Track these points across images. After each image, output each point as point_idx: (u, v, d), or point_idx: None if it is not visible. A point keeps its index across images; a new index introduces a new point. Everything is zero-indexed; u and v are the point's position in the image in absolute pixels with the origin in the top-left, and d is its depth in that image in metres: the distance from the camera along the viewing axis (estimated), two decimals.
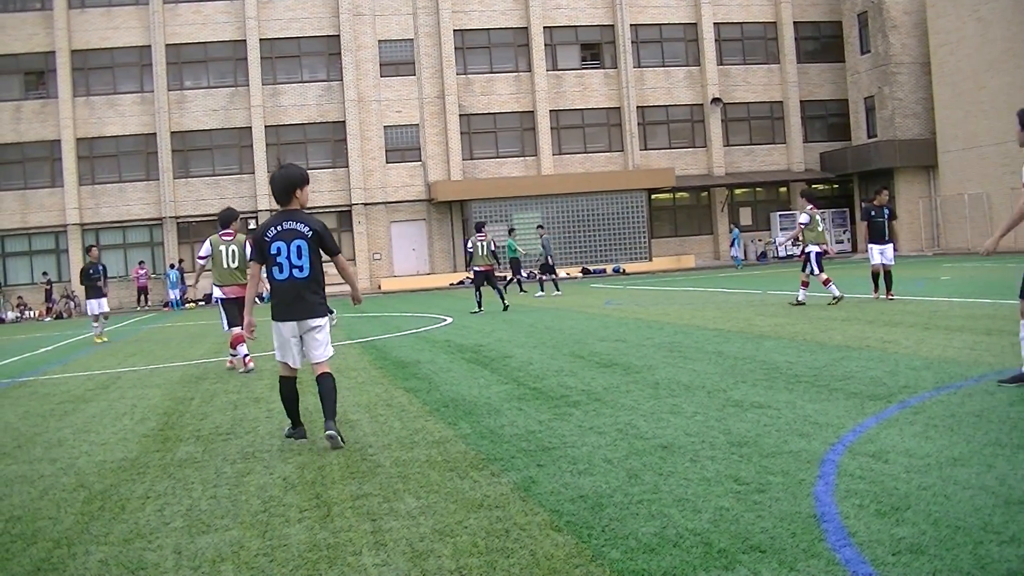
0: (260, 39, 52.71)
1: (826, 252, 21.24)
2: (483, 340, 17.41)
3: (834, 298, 20.19)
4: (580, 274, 52.38)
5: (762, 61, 58.30)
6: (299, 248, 8.27)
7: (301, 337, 8.46)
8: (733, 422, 8.08)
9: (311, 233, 8.30)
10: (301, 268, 8.32)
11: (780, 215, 57.08)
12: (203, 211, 52.28)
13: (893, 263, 21.37)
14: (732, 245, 51.61)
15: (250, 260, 8.80)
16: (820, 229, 21.41)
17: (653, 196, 54.87)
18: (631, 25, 56.24)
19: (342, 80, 53.35)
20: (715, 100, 56.36)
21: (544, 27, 55.35)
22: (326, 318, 8.57)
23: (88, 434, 9.84)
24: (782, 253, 55.61)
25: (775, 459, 6.69)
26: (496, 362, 13.81)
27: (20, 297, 50.20)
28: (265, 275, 8.75)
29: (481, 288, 26.53)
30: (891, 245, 21.44)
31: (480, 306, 26.17)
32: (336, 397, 8.43)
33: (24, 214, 51.04)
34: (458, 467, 7.15)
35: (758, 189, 58.42)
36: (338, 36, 53.42)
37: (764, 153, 57.99)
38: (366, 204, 53.01)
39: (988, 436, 6.93)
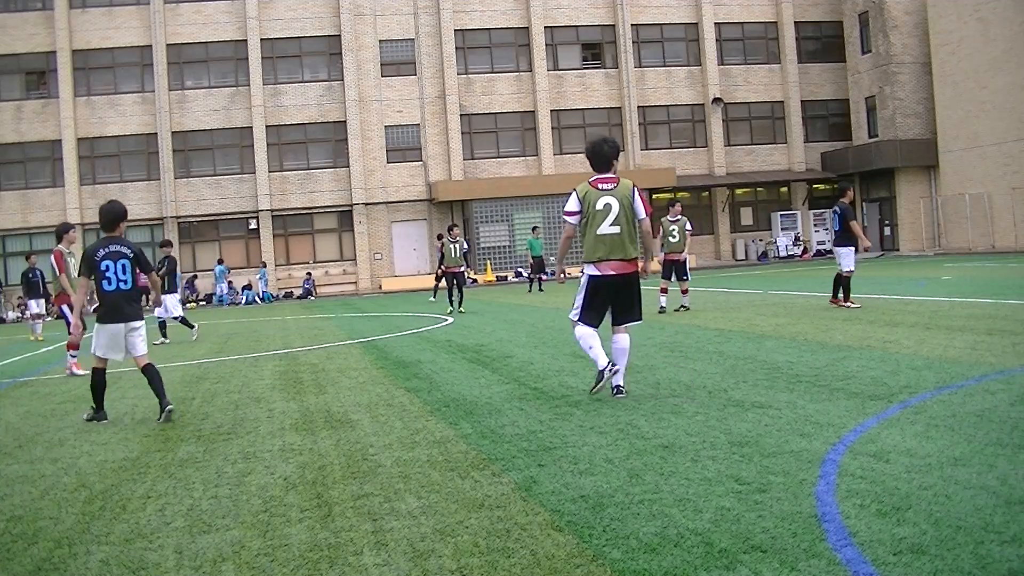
0: (261, 39, 52.71)
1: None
2: (484, 340, 17.42)
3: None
4: (580, 274, 52.28)
5: (763, 61, 58.28)
6: (123, 266, 10.42)
7: (125, 336, 10.36)
8: (734, 422, 8.09)
9: (132, 255, 10.52)
10: (125, 282, 10.42)
11: (781, 215, 57.10)
12: (204, 211, 52.33)
13: (851, 270, 19.30)
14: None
15: (79, 275, 10.87)
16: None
17: (654, 196, 54.82)
18: (632, 25, 56.23)
19: (343, 80, 53.35)
20: (716, 100, 56.34)
21: (545, 27, 55.33)
22: (143, 321, 10.59)
23: (89, 434, 9.84)
24: (783, 253, 55.69)
25: (776, 459, 6.69)
26: (497, 362, 13.82)
27: (20, 297, 50.14)
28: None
29: (451, 288, 26.84)
30: (852, 250, 19.28)
31: (451, 303, 26.75)
32: (162, 380, 10.44)
33: (25, 214, 51.04)
34: (459, 467, 7.15)
35: (759, 189, 58.39)
36: (339, 36, 53.41)
37: (765, 153, 57.96)
38: (367, 204, 53.01)
39: (989, 436, 6.93)
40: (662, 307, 20.71)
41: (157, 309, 21.85)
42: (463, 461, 7.34)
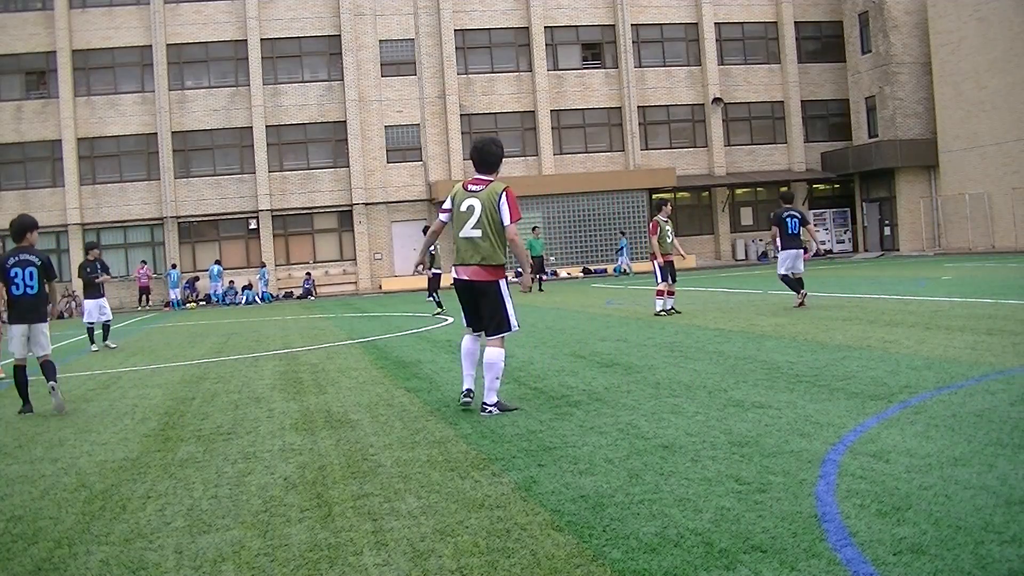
0: (261, 39, 52.72)
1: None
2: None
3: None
4: (581, 274, 52.40)
5: (763, 61, 58.28)
6: (31, 273, 11.56)
7: (28, 337, 11.59)
8: (734, 422, 8.09)
9: (40, 263, 11.64)
10: (32, 287, 11.58)
11: None
12: (204, 211, 52.35)
13: (803, 271, 20.50)
14: (620, 252, 51.04)
15: None
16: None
17: (654, 196, 54.78)
18: (632, 25, 56.23)
19: (343, 80, 53.36)
20: (716, 100, 56.34)
21: (545, 27, 55.34)
22: (47, 322, 11.84)
23: (89, 434, 9.84)
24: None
25: (776, 459, 6.69)
26: None
27: None
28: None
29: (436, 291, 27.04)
30: (802, 252, 20.42)
31: (440, 306, 26.79)
32: (56, 372, 11.69)
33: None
34: (459, 467, 7.15)
35: (759, 189, 58.36)
36: (339, 36, 53.43)
37: (765, 153, 57.96)
38: (367, 204, 53.01)
39: (989, 436, 6.93)
40: (665, 310, 20.40)
41: (86, 316, 21.61)
42: (463, 461, 7.34)
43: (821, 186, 58.85)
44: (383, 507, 6.18)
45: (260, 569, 5.13)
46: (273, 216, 52.53)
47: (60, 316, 47.76)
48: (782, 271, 20.40)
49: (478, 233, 9.27)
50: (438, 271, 27.10)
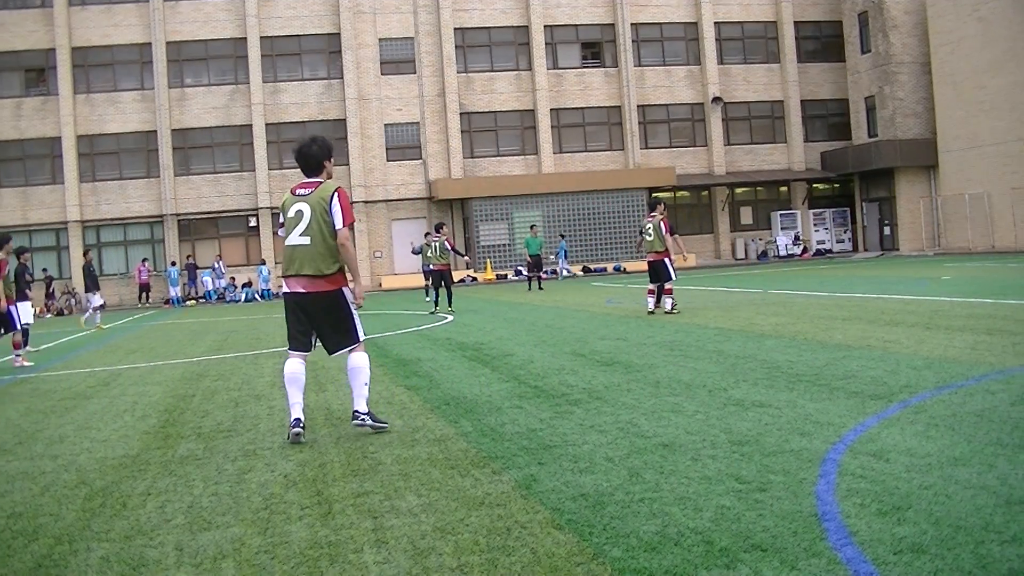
0: (261, 37, 52.73)
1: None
2: (484, 338, 17.42)
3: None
4: (581, 272, 52.40)
5: (762, 60, 58.31)
6: None
7: None
8: (734, 421, 8.09)
9: None
10: None
11: (781, 214, 57.15)
12: (204, 208, 52.37)
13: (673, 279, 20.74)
14: (559, 257, 50.29)
15: None
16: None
17: (654, 195, 54.76)
18: (631, 24, 56.26)
19: (343, 78, 53.37)
20: (716, 99, 56.36)
21: (545, 26, 55.36)
22: None
23: (89, 431, 9.84)
24: (783, 252, 55.72)
25: (776, 458, 6.69)
26: (497, 360, 13.82)
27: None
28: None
29: (439, 288, 26.77)
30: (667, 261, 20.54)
31: (437, 304, 26.73)
32: None
33: (25, 211, 51.07)
34: (459, 465, 7.15)
35: (759, 188, 58.43)
36: (339, 34, 53.43)
37: (765, 152, 57.98)
38: (367, 202, 52.99)
39: (989, 436, 6.93)
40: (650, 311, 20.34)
41: (23, 318, 21.22)
42: (463, 459, 7.34)
43: (821, 186, 58.90)
44: (383, 505, 6.18)
45: (260, 566, 5.13)
46: (273, 214, 52.43)
47: (60, 313, 47.81)
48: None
49: (307, 240, 8.56)
50: (434, 267, 27.02)
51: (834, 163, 57.05)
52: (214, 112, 52.69)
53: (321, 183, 8.72)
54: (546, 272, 47.20)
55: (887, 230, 55.24)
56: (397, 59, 54.36)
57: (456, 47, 54.48)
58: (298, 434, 8.45)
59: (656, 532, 5.20)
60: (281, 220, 8.86)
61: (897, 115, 52.79)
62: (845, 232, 58.00)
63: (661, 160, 55.74)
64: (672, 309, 20.17)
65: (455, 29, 54.42)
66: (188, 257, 51.17)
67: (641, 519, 5.47)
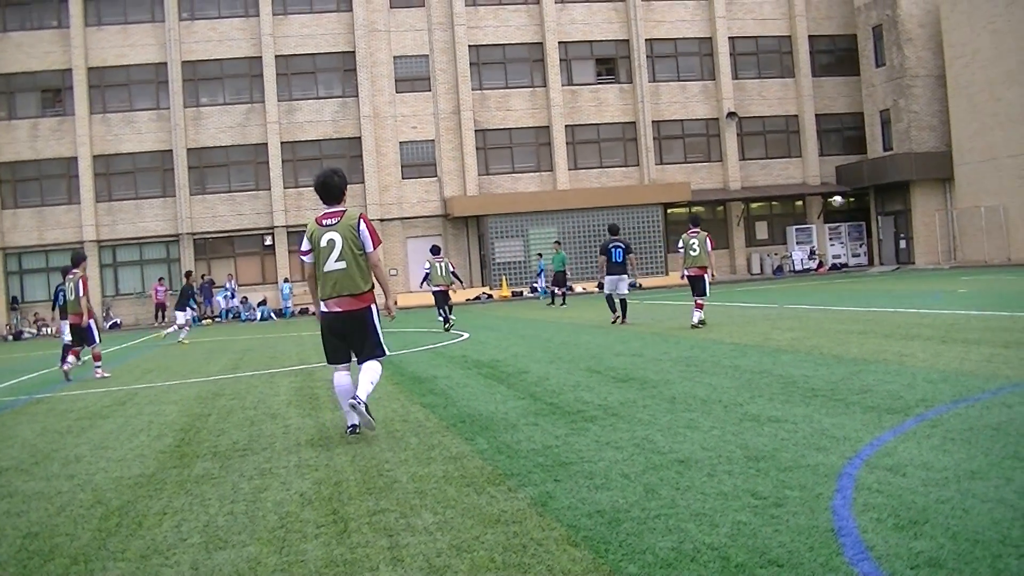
0: (276, 55, 52.92)
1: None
2: (499, 355, 17.42)
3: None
4: (596, 289, 52.31)
5: (777, 75, 58.22)
6: None
7: None
8: (750, 436, 8.07)
9: None
10: None
11: (796, 229, 57.02)
12: (219, 227, 52.49)
13: (627, 294, 24.09)
14: (539, 275, 50.16)
15: None
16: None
17: (669, 210, 54.76)
18: (646, 40, 56.27)
19: (357, 96, 53.50)
20: (730, 114, 56.31)
21: (559, 42, 55.41)
22: None
23: (105, 450, 9.87)
24: (798, 267, 55.60)
25: (792, 473, 6.68)
26: (512, 377, 13.81)
27: (36, 313, 50.39)
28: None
29: (442, 308, 27.22)
30: (625, 277, 24.03)
31: (447, 320, 26.95)
32: None
33: (41, 231, 51.30)
34: (475, 482, 7.15)
35: (774, 203, 58.29)
36: (353, 52, 53.59)
37: (780, 167, 57.86)
38: (382, 220, 53.01)
39: (1006, 449, 6.90)
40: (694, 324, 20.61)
41: None
42: (479, 476, 7.34)
43: (837, 199, 58.75)
44: (399, 523, 6.18)
45: None
46: (288, 232, 52.61)
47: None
48: (606, 292, 24.26)
49: (343, 265, 9.35)
50: (438, 287, 27.15)
51: (849, 177, 56.89)
52: (229, 131, 52.88)
53: (345, 211, 9.64)
54: (533, 289, 47.47)
55: (903, 243, 55.06)
56: (412, 77, 54.48)
57: (471, 64, 54.59)
58: (355, 429, 9.54)
59: (672, 548, 5.19)
60: (308, 246, 9.57)
61: (912, 128, 52.69)
62: (861, 246, 57.84)
63: (676, 175, 55.69)
64: (699, 323, 20.39)
65: (469, 46, 54.51)
66: (203, 276, 51.26)
67: (657, 535, 5.46)
